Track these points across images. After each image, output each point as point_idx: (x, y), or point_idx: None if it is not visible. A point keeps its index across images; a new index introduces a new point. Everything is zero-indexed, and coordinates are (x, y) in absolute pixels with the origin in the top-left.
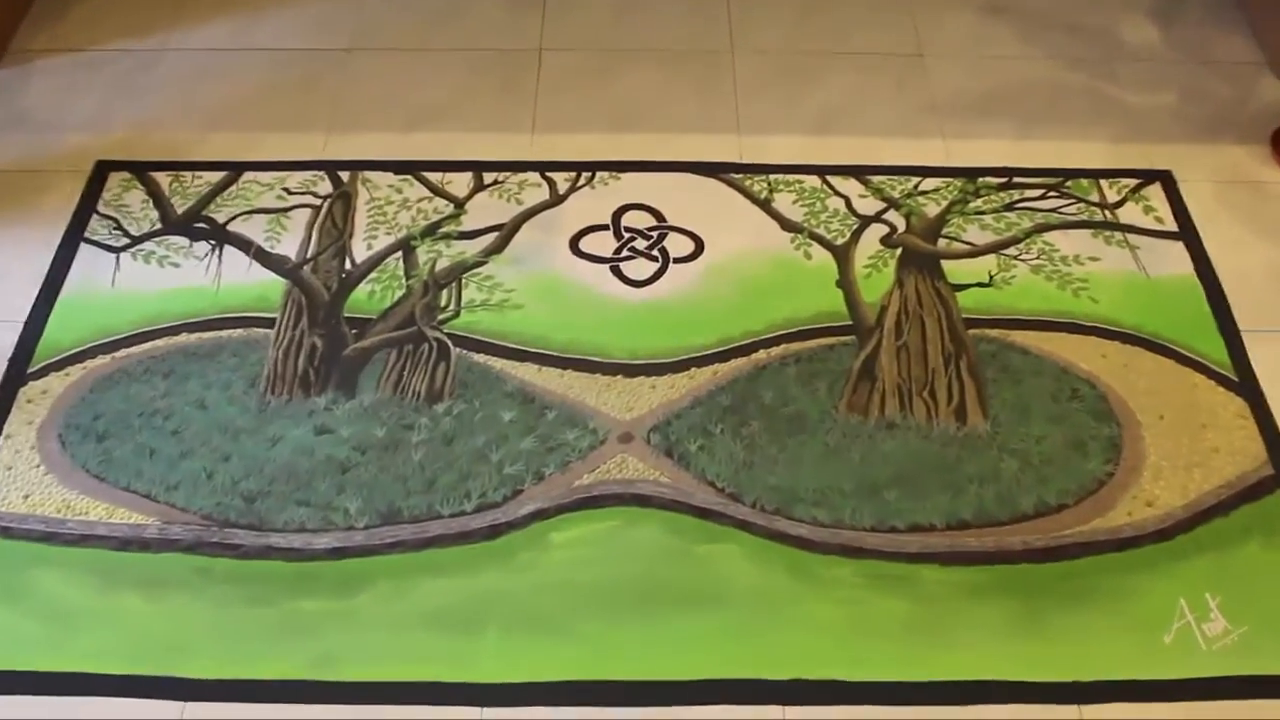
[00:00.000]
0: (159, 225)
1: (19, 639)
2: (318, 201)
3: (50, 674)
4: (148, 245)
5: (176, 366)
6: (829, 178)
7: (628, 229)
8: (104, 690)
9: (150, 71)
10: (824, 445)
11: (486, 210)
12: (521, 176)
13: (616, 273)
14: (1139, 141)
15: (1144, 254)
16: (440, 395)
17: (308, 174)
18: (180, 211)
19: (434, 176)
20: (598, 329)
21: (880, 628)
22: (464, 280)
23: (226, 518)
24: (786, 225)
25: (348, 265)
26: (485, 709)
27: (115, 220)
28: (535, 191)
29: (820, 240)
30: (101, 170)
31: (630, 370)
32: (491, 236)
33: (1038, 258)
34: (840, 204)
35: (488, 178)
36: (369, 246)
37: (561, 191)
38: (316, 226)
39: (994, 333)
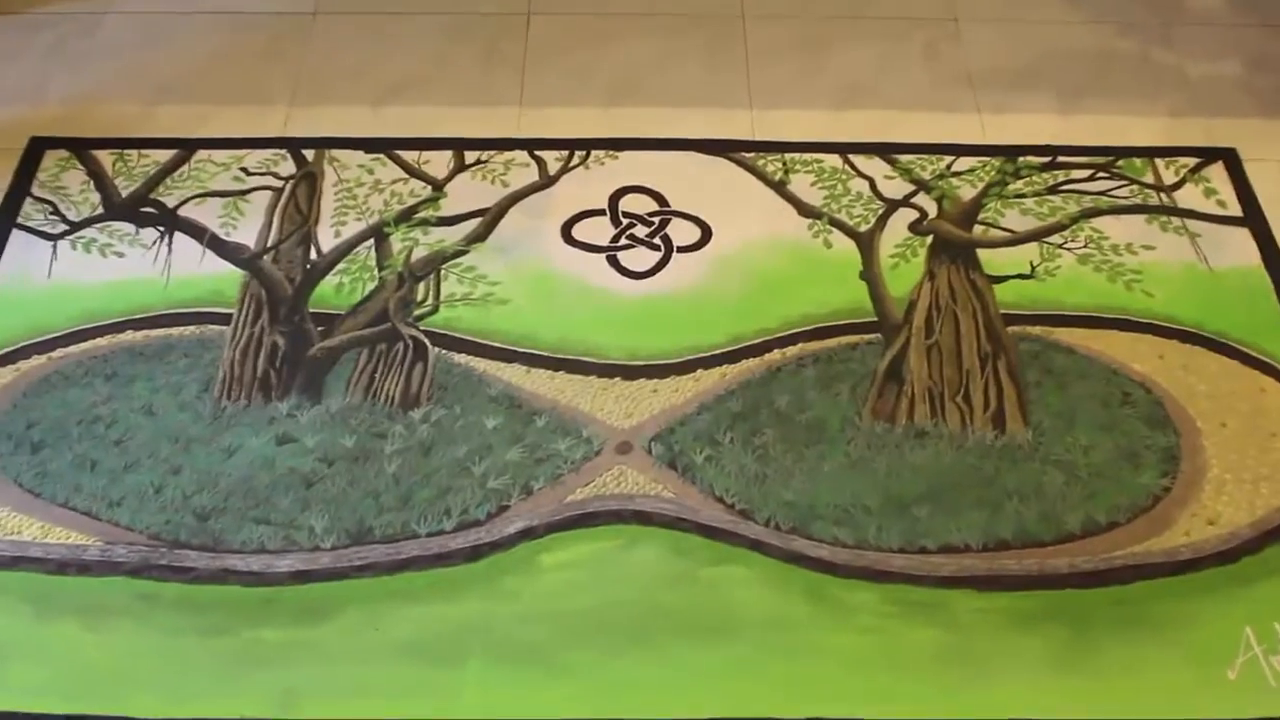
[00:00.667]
0: (101, 210)
1: None
2: (279, 183)
3: None
4: (88, 232)
5: (120, 368)
6: (851, 157)
7: (626, 214)
8: None
9: (91, 36)
10: (846, 456)
11: (468, 193)
12: (507, 155)
13: (614, 263)
14: (1199, 116)
15: (1205, 242)
16: (416, 400)
17: (268, 153)
18: (125, 194)
19: (409, 155)
20: (593, 326)
21: (909, 660)
22: (443, 271)
23: (176, 537)
24: (804, 210)
25: (313, 255)
26: None
27: (52, 204)
28: (523, 172)
29: (842, 227)
30: (36, 148)
31: (629, 372)
32: (474, 223)
33: (1085, 246)
34: (864, 186)
35: (469, 157)
36: (337, 234)
37: (552, 172)
38: (278, 211)
39: (1036, 330)
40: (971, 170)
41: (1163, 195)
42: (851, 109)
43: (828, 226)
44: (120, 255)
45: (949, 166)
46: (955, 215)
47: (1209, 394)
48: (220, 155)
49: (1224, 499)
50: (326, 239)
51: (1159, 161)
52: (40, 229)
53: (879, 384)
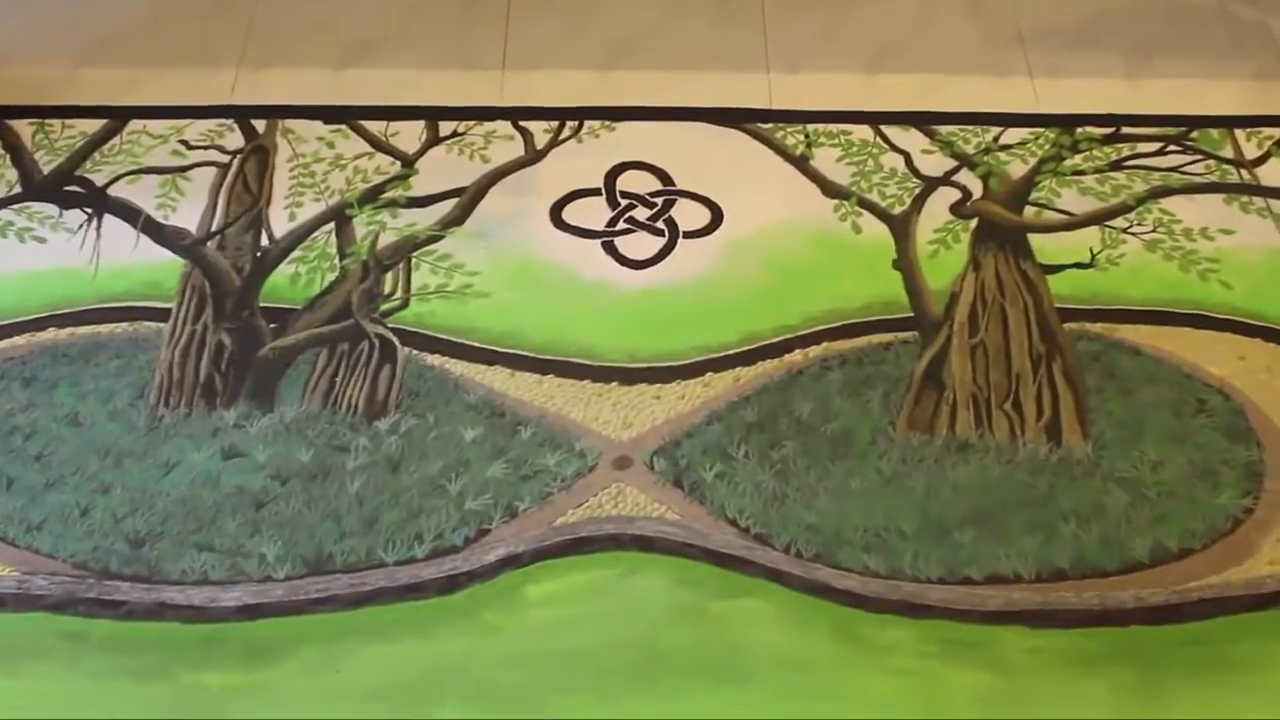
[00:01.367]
0: (18, 189)
1: None
2: (225, 159)
3: None
4: (3, 214)
5: (41, 371)
6: (884, 128)
7: (625, 194)
8: None
9: None
10: (877, 473)
11: (443, 170)
12: (488, 127)
13: (610, 250)
14: None
15: None
16: (383, 408)
17: (212, 123)
18: (47, 171)
19: (375, 126)
20: (586, 323)
21: (951, 708)
22: (414, 260)
23: (106, 567)
24: (829, 190)
25: (264, 241)
26: None
27: None
28: (506, 146)
29: (873, 209)
30: None
31: (628, 376)
32: (449, 204)
33: (1154, 231)
34: (898, 162)
35: (444, 128)
36: (292, 217)
37: (540, 146)
38: (224, 191)
39: (1096, 327)
40: (1023, 143)
41: (1244, 172)
42: (884, 72)
43: (856, 208)
44: (41, 241)
45: (996, 139)
46: (1004, 195)
47: None
48: (157, 126)
49: None
50: (280, 223)
51: (1240, 133)
52: None
53: (916, 390)
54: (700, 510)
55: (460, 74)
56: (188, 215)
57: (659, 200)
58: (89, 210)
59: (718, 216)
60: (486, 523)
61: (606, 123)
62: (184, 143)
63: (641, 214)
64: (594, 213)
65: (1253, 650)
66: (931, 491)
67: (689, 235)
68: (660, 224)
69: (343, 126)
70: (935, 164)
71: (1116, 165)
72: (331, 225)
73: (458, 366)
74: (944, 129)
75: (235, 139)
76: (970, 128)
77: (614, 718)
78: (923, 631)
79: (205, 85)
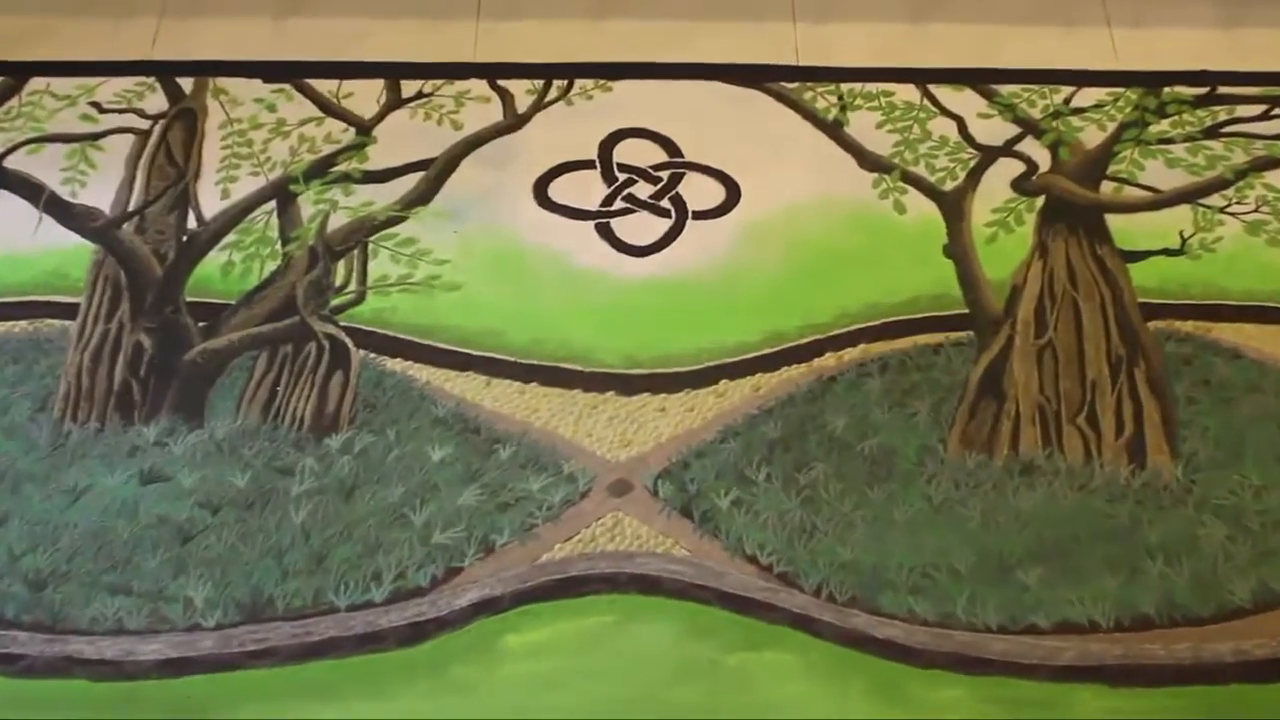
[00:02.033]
0: None
1: None
2: (145, 124)
3: None
4: None
5: None
6: (933, 88)
7: (623, 168)
8: None
9: None
10: (925, 500)
11: (406, 139)
12: (460, 87)
13: (606, 234)
14: None
15: None
16: (334, 423)
17: (129, 82)
18: None
19: (325, 86)
20: (578, 320)
21: None
22: (371, 246)
23: (1, 613)
24: (867, 161)
25: (192, 223)
26: None
27: None
28: (481, 110)
29: (919, 184)
30: None
31: (627, 384)
32: (413, 179)
33: (1256, 210)
34: (950, 128)
35: (408, 88)
36: (225, 194)
37: (522, 110)
38: (143, 163)
39: (1188, 326)
40: (1099, 106)
41: None
42: (933, 21)
43: (900, 184)
44: None
45: (1067, 101)
46: (1076, 168)
47: None
48: (63, 85)
49: None
50: (211, 201)
51: None
52: None
53: (971, 400)
54: (713, 545)
55: (426, 24)
56: (100, 192)
57: (664, 174)
58: None
59: (733, 193)
60: (458, 560)
61: (601, 82)
62: (95, 105)
63: (643, 191)
64: (586, 189)
65: None
66: (990, 522)
67: (699, 216)
68: (665, 202)
69: (286, 86)
70: (994, 131)
71: (1211, 132)
72: (272, 204)
73: (423, 372)
74: (1004, 89)
75: (157, 101)
76: (1036, 87)
77: None
78: (980, 690)
79: (121, 37)
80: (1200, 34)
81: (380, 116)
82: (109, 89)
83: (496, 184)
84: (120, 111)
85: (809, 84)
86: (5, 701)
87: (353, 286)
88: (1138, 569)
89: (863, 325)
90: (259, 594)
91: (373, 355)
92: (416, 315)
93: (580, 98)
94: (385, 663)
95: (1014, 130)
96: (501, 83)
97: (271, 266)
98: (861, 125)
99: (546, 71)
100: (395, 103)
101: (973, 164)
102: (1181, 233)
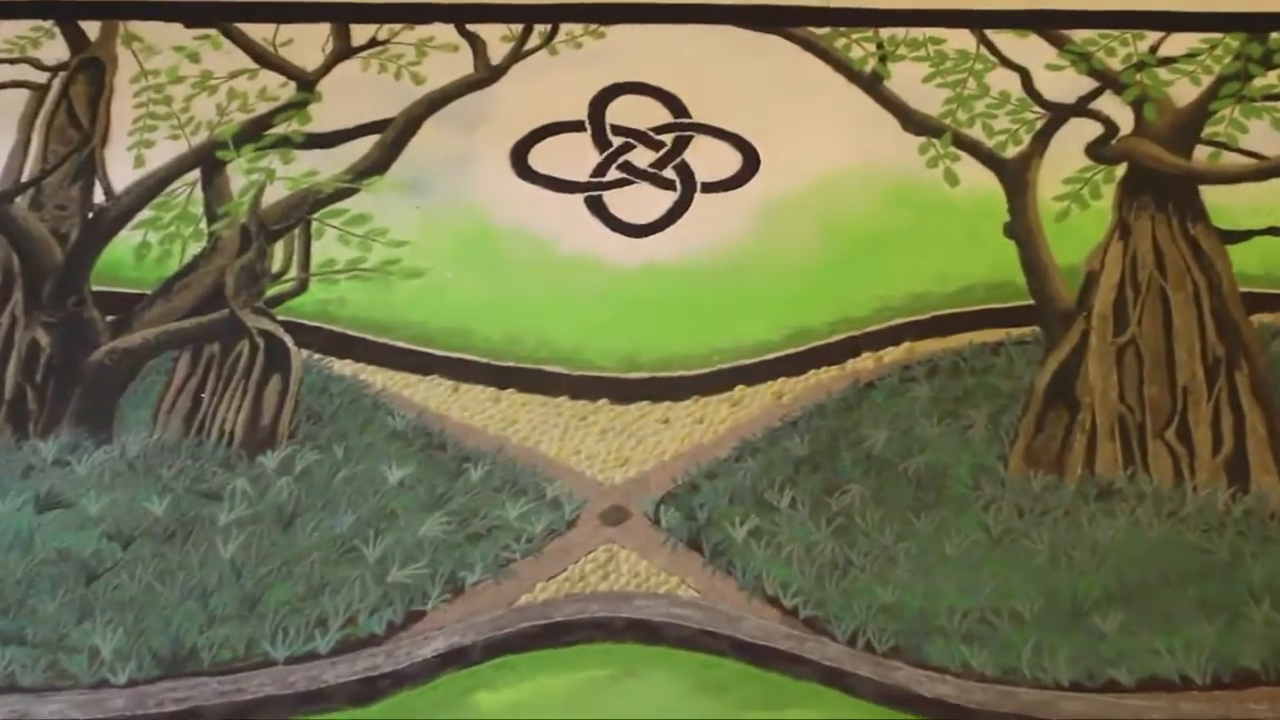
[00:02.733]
0: None
1: None
2: (42, 78)
3: None
4: None
5: None
6: (990, 34)
7: (619, 130)
8: None
9: None
10: (982, 530)
11: (357, 95)
12: (422, 32)
13: (598, 210)
14: None
15: None
16: (271, 438)
17: (24, 26)
18: None
19: (260, 31)
20: (563, 314)
21: None
22: (316, 224)
23: None
24: (913, 123)
25: (99, 196)
26: None
27: None
28: (447, 61)
29: (976, 150)
30: None
31: (624, 390)
32: (366, 143)
33: None
34: (1012, 82)
35: (359, 35)
36: (139, 162)
37: (496, 60)
38: (40, 124)
39: None
40: (1191, 55)
41: None
42: None
43: (951, 149)
44: None
45: (1153, 49)
46: (1164, 130)
47: None
48: None
49: None
50: (122, 170)
51: None
52: None
53: (1037, 410)
54: (727, 584)
55: None
56: None
57: (667, 138)
58: None
59: (751, 161)
60: (420, 602)
61: (592, 26)
62: None
63: (642, 158)
64: (575, 156)
65: None
66: (1060, 556)
67: (710, 188)
68: (669, 172)
69: (212, 32)
70: (1065, 85)
71: None
72: (196, 174)
73: (378, 376)
74: (1078, 35)
75: (56, 49)
76: (1116, 32)
77: None
78: None
79: None
80: None
81: (326, 68)
82: None
83: (466, 150)
84: (11, 62)
85: (842, 29)
86: None
87: (293, 273)
88: (1239, 614)
89: (907, 320)
90: (180, 644)
91: (317, 356)
92: (370, 308)
93: (567, 45)
94: None
95: (1089, 84)
96: (472, 27)
97: (195, 249)
98: (905, 79)
99: (526, 14)
100: (344, 51)
101: (1039, 125)
102: None
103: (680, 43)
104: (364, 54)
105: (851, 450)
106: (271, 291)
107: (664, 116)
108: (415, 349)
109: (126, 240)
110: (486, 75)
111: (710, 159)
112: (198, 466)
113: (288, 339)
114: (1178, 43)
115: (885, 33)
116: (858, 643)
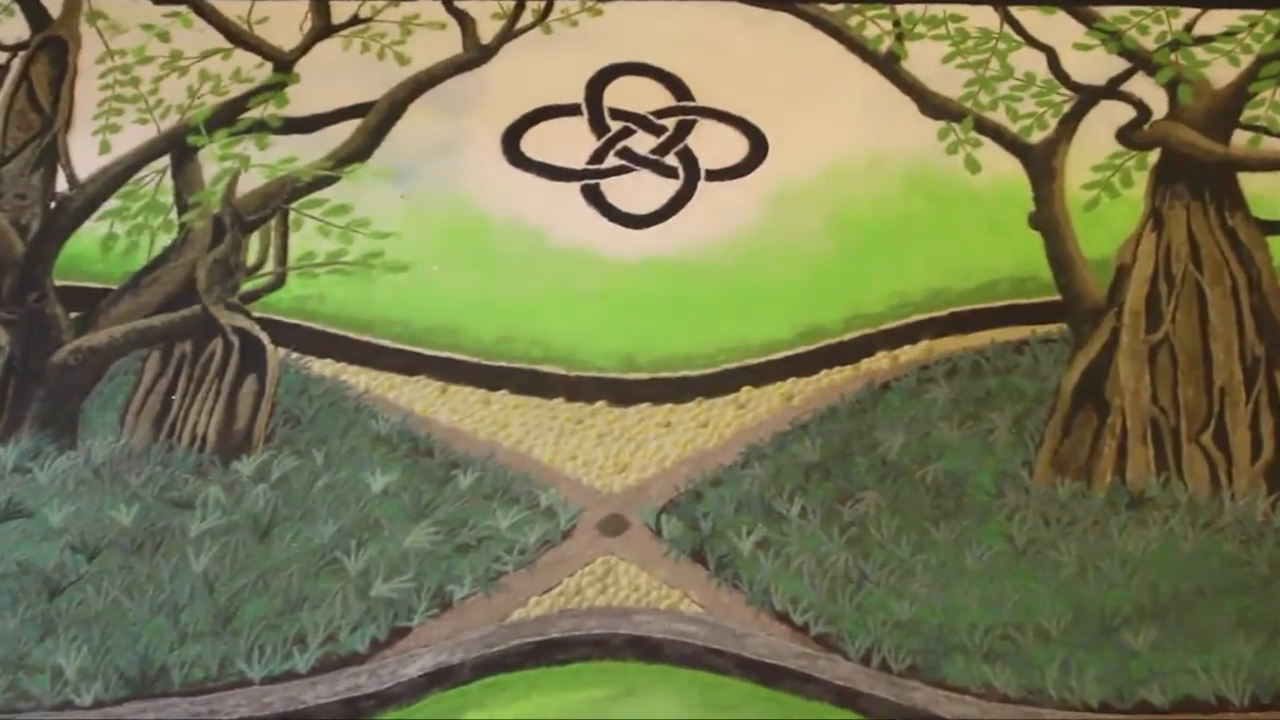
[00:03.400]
0: None
1: None
2: (0, 58)
3: None
4: None
5: None
6: (1015, 10)
7: (618, 114)
8: None
9: None
10: (1006, 540)
11: (338, 76)
12: (407, 9)
13: (595, 199)
14: None
15: None
16: (247, 443)
17: None
18: None
19: (234, 8)
20: (558, 311)
21: None
22: (294, 214)
23: None
24: (932, 106)
25: (61, 185)
26: None
27: None
28: (434, 39)
29: (999, 136)
30: None
31: (623, 392)
32: (348, 128)
33: None
34: (1038, 62)
35: (339, 11)
36: (105, 148)
37: (487, 39)
38: None
39: None
40: (1230, 33)
41: None
42: None
43: (973, 134)
44: None
45: (1189, 27)
46: (1201, 114)
47: None
48: None
49: None
50: (86, 156)
51: None
52: None
53: (1064, 413)
54: (733, 598)
55: None
56: None
57: (669, 123)
58: None
59: (759, 147)
60: (404, 618)
61: (589, 3)
62: None
63: (642, 144)
64: (570, 141)
65: None
66: (1089, 569)
67: (714, 176)
68: (671, 159)
69: (182, 8)
70: (1095, 66)
71: None
72: (166, 160)
73: (361, 377)
74: (1108, 12)
75: (15, 27)
76: (1149, 9)
77: None
78: None
79: None
80: None
81: (304, 48)
82: None
83: (454, 135)
84: None
85: (856, 5)
86: None
87: (269, 266)
88: (1279, 631)
89: (925, 316)
90: (149, 662)
91: (295, 355)
92: (352, 304)
93: (562, 23)
94: None
95: (1120, 65)
96: (460, 4)
97: (165, 241)
98: (924, 58)
99: None
100: (323, 30)
101: (1067, 109)
102: None
103: (683, 20)
104: (345, 32)
105: (866, 456)
106: (247, 286)
107: (666, 99)
108: (400, 348)
109: (91, 232)
110: (476, 55)
111: (715, 145)
112: (168, 473)
113: (264, 337)
114: (1215, 20)
115: (902, 9)
116: (872, 661)
